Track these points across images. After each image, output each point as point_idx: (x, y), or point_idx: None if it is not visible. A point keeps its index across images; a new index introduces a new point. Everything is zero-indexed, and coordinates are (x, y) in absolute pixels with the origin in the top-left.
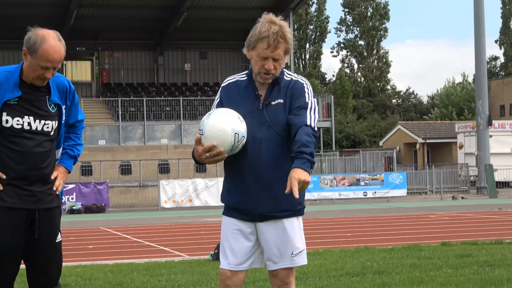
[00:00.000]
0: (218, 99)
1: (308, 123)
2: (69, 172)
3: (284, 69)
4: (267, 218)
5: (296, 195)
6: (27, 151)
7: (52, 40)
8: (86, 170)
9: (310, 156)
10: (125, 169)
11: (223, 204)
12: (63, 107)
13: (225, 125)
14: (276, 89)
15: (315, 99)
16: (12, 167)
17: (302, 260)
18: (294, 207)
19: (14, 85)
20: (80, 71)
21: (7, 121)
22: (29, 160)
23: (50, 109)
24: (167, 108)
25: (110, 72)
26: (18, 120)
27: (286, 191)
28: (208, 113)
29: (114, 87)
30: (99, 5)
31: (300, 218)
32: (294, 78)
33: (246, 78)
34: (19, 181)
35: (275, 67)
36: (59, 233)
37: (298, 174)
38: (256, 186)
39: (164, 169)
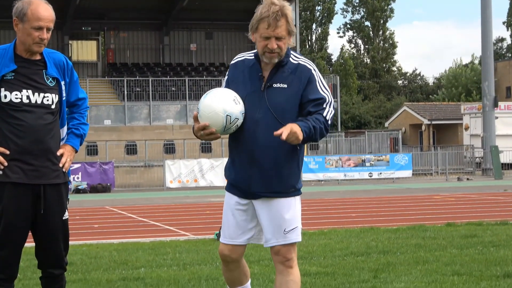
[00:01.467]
0: (226, 77)
1: (325, 114)
2: (76, 151)
3: (292, 52)
4: (259, 197)
5: (284, 137)
6: (28, 124)
7: (38, 1)
8: (92, 150)
9: (312, 128)
10: (131, 149)
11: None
12: (62, 82)
13: (217, 107)
14: (280, 71)
15: (325, 83)
16: (15, 141)
17: (296, 237)
18: (287, 190)
19: (10, 60)
20: (86, 50)
21: (5, 96)
22: (31, 133)
23: (48, 82)
24: (173, 88)
25: (116, 52)
26: (16, 94)
27: (275, 133)
28: (206, 92)
29: (119, 67)
30: None
31: (297, 198)
32: (301, 62)
33: (253, 57)
34: (23, 156)
35: (279, 46)
36: (66, 210)
37: (292, 126)
38: (250, 166)
39: (170, 149)
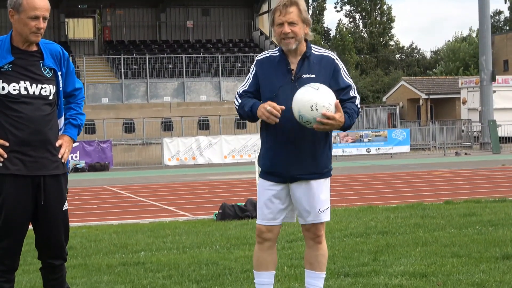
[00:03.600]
0: (254, 71)
1: (357, 103)
2: (74, 141)
3: (312, 45)
4: (297, 179)
5: (326, 116)
6: (27, 116)
7: None
8: (89, 129)
9: (353, 118)
10: (128, 127)
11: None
12: (59, 73)
13: (296, 105)
14: (306, 63)
15: (346, 70)
16: (14, 133)
17: (326, 217)
18: (321, 170)
19: (7, 52)
20: (82, 28)
21: (3, 88)
22: (30, 124)
23: (45, 73)
24: (170, 66)
25: (112, 30)
26: (14, 86)
27: (328, 113)
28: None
29: (116, 45)
30: None
31: (328, 179)
32: (324, 54)
33: (278, 53)
34: (22, 147)
35: (293, 31)
36: (66, 201)
37: (339, 114)
38: (287, 151)
39: (167, 126)
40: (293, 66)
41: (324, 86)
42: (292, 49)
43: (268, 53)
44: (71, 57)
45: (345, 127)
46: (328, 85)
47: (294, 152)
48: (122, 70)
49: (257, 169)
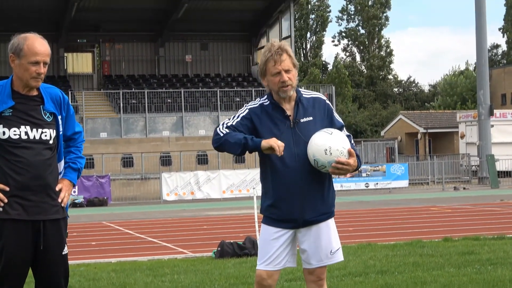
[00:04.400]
0: (247, 117)
1: (352, 142)
2: (74, 185)
3: (299, 88)
4: (309, 223)
5: (351, 163)
6: (27, 160)
7: (34, 36)
8: (88, 163)
9: (360, 163)
10: (127, 162)
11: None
12: (59, 117)
13: (311, 149)
14: (301, 107)
15: (334, 110)
16: (14, 178)
17: (339, 256)
18: (329, 209)
19: (7, 96)
20: (81, 63)
21: (4, 133)
22: (30, 169)
23: (45, 118)
24: (169, 100)
25: (111, 64)
26: (15, 131)
27: (344, 160)
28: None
29: (115, 79)
30: None
31: (333, 218)
32: (314, 96)
33: (269, 102)
34: (23, 192)
35: (289, 78)
36: (65, 245)
37: (353, 158)
38: (299, 198)
39: (166, 161)
40: (289, 112)
41: (336, 130)
42: (290, 95)
43: (257, 102)
44: (70, 92)
45: (355, 170)
46: (324, 126)
47: (305, 197)
48: (121, 105)
49: (255, 204)
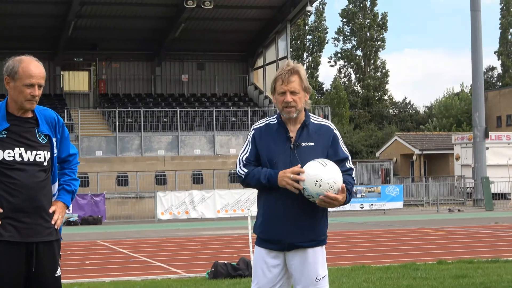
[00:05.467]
0: (252, 138)
1: (353, 176)
2: (68, 207)
3: (310, 114)
4: (295, 247)
5: (329, 197)
6: (21, 182)
7: (29, 59)
8: (83, 182)
9: (349, 197)
10: (122, 180)
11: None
12: (54, 139)
13: (313, 175)
14: (305, 131)
15: (342, 140)
16: (8, 200)
17: (325, 284)
18: (318, 238)
19: (2, 118)
20: (78, 81)
21: None
22: (24, 191)
23: (40, 140)
24: (164, 119)
25: (108, 83)
26: (9, 153)
27: (332, 195)
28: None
29: (111, 98)
30: (97, 15)
31: (323, 247)
32: (323, 123)
33: (276, 121)
34: (16, 214)
35: (294, 100)
36: (59, 267)
37: (343, 195)
38: (285, 219)
39: (161, 180)
40: (292, 134)
41: (332, 163)
42: (293, 117)
43: (266, 120)
44: (66, 110)
45: (342, 204)
46: (326, 154)
47: (293, 220)
48: (117, 123)
49: (250, 225)
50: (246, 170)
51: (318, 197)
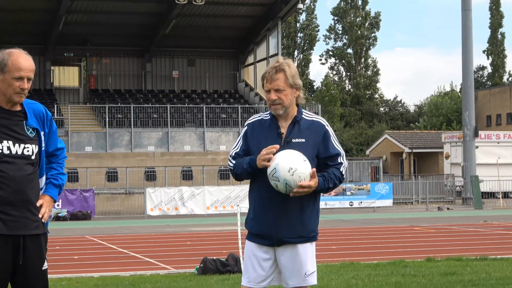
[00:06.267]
0: (244, 134)
1: (341, 169)
2: (55, 201)
3: (303, 110)
4: (284, 243)
5: (302, 186)
6: (9, 175)
7: (19, 52)
8: (73, 177)
9: (327, 186)
10: (112, 176)
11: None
12: (42, 133)
13: (279, 158)
14: (296, 127)
15: (334, 136)
16: None
17: (313, 280)
18: (308, 234)
19: None
20: (68, 76)
21: None
22: (12, 184)
23: (28, 133)
24: (155, 115)
25: (98, 78)
26: None
27: (302, 183)
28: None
29: (101, 93)
30: (88, 11)
31: (314, 243)
32: (315, 119)
33: (269, 117)
34: (3, 207)
35: (279, 97)
36: (45, 260)
37: (315, 180)
38: (275, 214)
39: (151, 176)
40: (283, 130)
41: (308, 162)
42: (280, 114)
43: (259, 116)
44: (55, 105)
45: (318, 191)
46: (317, 150)
47: (282, 215)
48: (107, 119)
49: (239, 221)
50: (234, 162)
51: (284, 183)
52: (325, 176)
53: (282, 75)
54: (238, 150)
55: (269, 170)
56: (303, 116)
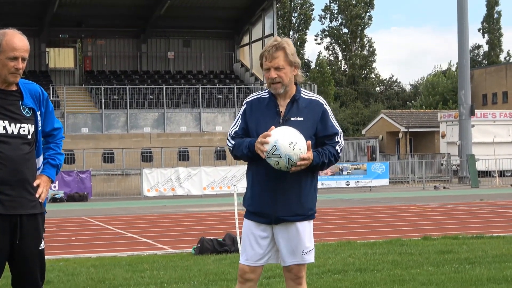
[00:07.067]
0: (243, 113)
1: (337, 148)
2: (52, 181)
3: (302, 88)
4: (281, 221)
5: (303, 159)
6: (5, 155)
7: (13, 32)
8: (69, 158)
9: (322, 161)
10: (108, 157)
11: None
12: (38, 112)
13: (276, 135)
14: (295, 106)
15: (333, 115)
16: None
17: (311, 258)
18: (306, 212)
19: None
20: (63, 58)
21: None
22: (8, 163)
23: (24, 113)
24: (150, 96)
25: (93, 60)
26: None
27: (298, 163)
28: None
29: (97, 75)
30: None
31: (311, 221)
32: (313, 98)
33: (267, 95)
34: (0, 186)
35: (279, 76)
36: (43, 240)
37: (310, 152)
38: (273, 193)
39: (147, 157)
40: (282, 108)
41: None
42: (279, 93)
43: (258, 94)
44: (51, 87)
45: (314, 166)
46: (315, 129)
47: (280, 193)
48: (103, 100)
49: (236, 202)
50: (233, 142)
51: (286, 159)
52: (319, 151)
53: (282, 53)
54: (237, 129)
55: (268, 149)
56: (301, 95)
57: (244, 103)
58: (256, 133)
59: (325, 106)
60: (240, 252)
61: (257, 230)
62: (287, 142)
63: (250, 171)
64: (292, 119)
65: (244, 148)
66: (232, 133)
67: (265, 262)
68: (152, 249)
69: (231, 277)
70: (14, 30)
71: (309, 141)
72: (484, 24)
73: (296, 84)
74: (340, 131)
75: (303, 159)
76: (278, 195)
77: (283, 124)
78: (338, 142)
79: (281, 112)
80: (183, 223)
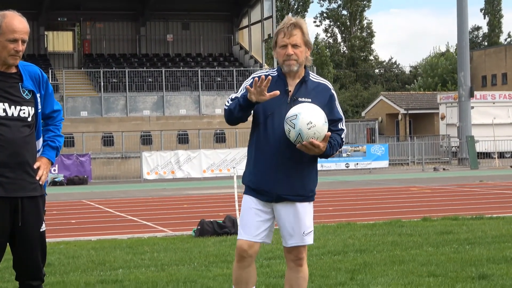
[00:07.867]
0: (250, 83)
1: (342, 136)
2: (52, 163)
3: (310, 71)
4: (283, 199)
5: (322, 146)
6: (5, 137)
7: (12, 14)
8: (69, 142)
9: (334, 149)
10: (108, 141)
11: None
12: (38, 95)
13: (304, 108)
14: (303, 87)
15: (338, 101)
16: None
17: (310, 239)
18: (307, 193)
19: None
20: (62, 41)
21: None
22: (8, 146)
23: (24, 95)
24: (149, 79)
25: (92, 43)
26: None
27: (316, 142)
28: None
29: (96, 58)
30: None
31: (312, 203)
32: (321, 82)
33: (276, 74)
34: (1, 169)
35: (295, 53)
36: (43, 222)
37: (324, 144)
38: (276, 171)
39: (147, 140)
40: (291, 88)
41: (327, 126)
42: (293, 71)
43: (267, 71)
44: (50, 70)
45: (323, 155)
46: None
47: (282, 172)
48: (102, 84)
49: (235, 184)
50: (230, 102)
51: (297, 133)
52: (331, 143)
53: (299, 31)
54: (238, 95)
55: (289, 113)
56: (310, 77)
57: (251, 76)
58: (263, 110)
59: (332, 90)
60: (238, 228)
61: (258, 204)
62: (307, 120)
63: (252, 147)
64: (300, 99)
65: (240, 99)
66: (232, 96)
67: (261, 239)
68: (152, 232)
69: (231, 259)
70: (13, 12)
71: (329, 133)
72: (486, 5)
73: (305, 66)
74: (343, 117)
75: (312, 144)
76: (280, 173)
77: (291, 103)
78: (342, 129)
79: (290, 91)
80: (183, 205)
